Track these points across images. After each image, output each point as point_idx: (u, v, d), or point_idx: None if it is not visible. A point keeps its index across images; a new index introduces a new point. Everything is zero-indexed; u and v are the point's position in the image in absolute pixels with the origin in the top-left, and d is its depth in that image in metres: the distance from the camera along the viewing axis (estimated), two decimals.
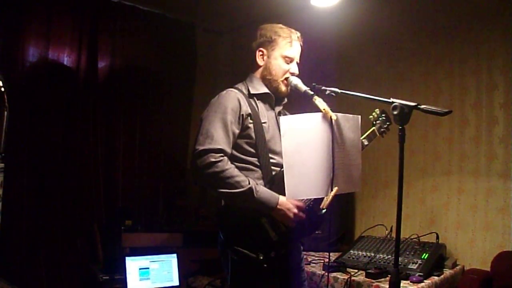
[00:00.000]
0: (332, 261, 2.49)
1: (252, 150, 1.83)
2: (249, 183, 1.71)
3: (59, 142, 3.25)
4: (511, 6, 2.56)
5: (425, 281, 2.23)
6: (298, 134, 1.63)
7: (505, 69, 2.58)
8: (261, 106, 1.92)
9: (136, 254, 2.94)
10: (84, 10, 3.38)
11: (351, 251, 2.66)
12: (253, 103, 1.90)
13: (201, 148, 1.70)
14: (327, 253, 2.66)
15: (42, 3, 3.17)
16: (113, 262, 2.99)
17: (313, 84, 1.83)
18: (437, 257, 2.43)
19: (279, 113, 1.99)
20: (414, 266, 2.33)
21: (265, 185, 1.79)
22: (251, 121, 1.83)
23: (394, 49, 3.13)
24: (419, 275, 2.23)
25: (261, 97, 1.94)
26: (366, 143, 1.94)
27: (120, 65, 3.60)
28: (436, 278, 2.31)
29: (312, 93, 1.77)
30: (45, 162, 3.17)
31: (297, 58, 1.97)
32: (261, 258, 1.70)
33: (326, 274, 2.34)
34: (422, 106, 1.47)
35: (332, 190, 1.60)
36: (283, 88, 1.95)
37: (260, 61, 1.98)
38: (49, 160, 3.19)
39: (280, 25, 1.99)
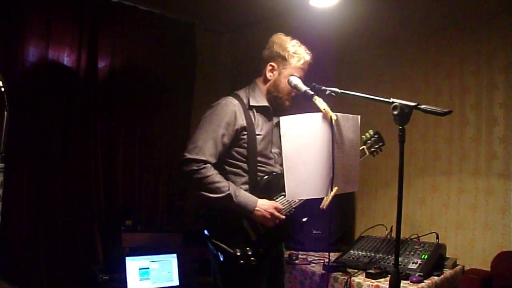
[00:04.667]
0: (332, 261, 2.49)
1: (242, 158, 1.94)
2: (228, 189, 1.84)
3: (59, 142, 3.25)
4: (511, 6, 2.56)
5: (425, 281, 2.23)
6: (298, 134, 1.63)
7: (505, 69, 2.58)
8: (258, 118, 2.00)
9: (136, 254, 2.93)
10: (84, 10, 3.37)
11: (351, 251, 2.66)
12: (251, 114, 1.97)
13: (188, 156, 1.85)
14: (327, 253, 2.66)
15: (42, 3, 3.17)
16: (113, 262, 2.99)
17: (313, 84, 1.84)
18: (437, 257, 2.43)
19: (278, 123, 2.04)
20: (414, 266, 2.33)
21: (250, 190, 1.93)
22: (245, 133, 1.93)
23: (394, 49, 3.12)
24: (419, 275, 2.23)
25: (259, 109, 2.00)
26: None
27: (120, 65, 3.60)
28: (436, 278, 2.31)
29: (312, 93, 1.78)
30: (45, 162, 3.17)
31: (303, 77, 2.01)
32: (238, 254, 1.85)
33: (326, 274, 2.34)
34: (422, 106, 1.47)
35: (332, 190, 1.61)
36: (286, 103, 2.02)
37: (269, 75, 2.02)
38: (49, 160, 3.19)
39: (295, 42, 2.01)
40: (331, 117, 1.61)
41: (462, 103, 2.75)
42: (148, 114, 3.77)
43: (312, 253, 2.87)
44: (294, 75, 1.97)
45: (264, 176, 1.97)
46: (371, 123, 3.09)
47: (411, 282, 2.20)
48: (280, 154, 2.05)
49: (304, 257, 2.72)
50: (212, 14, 3.95)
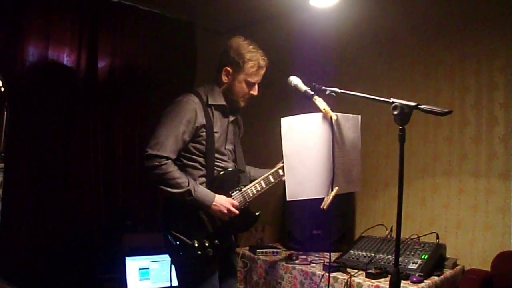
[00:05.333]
0: (332, 261, 2.49)
1: (200, 153, 2.05)
2: (188, 185, 1.94)
3: (59, 142, 3.25)
4: (511, 6, 2.56)
5: (425, 281, 2.23)
6: (299, 135, 1.63)
7: (505, 69, 2.58)
8: (216, 115, 2.10)
9: (136, 254, 2.94)
10: (84, 10, 3.37)
11: (351, 251, 2.66)
12: (210, 111, 2.07)
13: (149, 152, 1.94)
14: (327, 253, 2.66)
15: (42, 3, 3.16)
16: (113, 262, 2.99)
17: (313, 84, 1.84)
18: (437, 257, 2.43)
19: (233, 121, 2.18)
20: (414, 266, 2.33)
21: (207, 184, 2.05)
22: (204, 130, 2.03)
23: (394, 49, 3.12)
24: (419, 275, 2.23)
25: (217, 107, 2.10)
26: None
27: (120, 65, 3.60)
28: (436, 278, 2.31)
29: (312, 93, 1.79)
30: (45, 162, 3.17)
31: (259, 81, 2.11)
32: (196, 245, 1.96)
33: (326, 274, 2.34)
34: (422, 106, 1.47)
35: (332, 190, 1.61)
36: (242, 104, 2.14)
37: (224, 79, 2.11)
38: (49, 160, 3.19)
39: (252, 48, 2.08)
40: (331, 117, 1.61)
41: (462, 103, 2.75)
42: (148, 114, 3.77)
43: (312, 253, 2.87)
44: (250, 81, 2.06)
45: (220, 171, 2.09)
46: (371, 123, 3.11)
47: (411, 282, 2.20)
48: (233, 150, 2.20)
49: (304, 257, 2.72)
50: (212, 14, 3.95)
